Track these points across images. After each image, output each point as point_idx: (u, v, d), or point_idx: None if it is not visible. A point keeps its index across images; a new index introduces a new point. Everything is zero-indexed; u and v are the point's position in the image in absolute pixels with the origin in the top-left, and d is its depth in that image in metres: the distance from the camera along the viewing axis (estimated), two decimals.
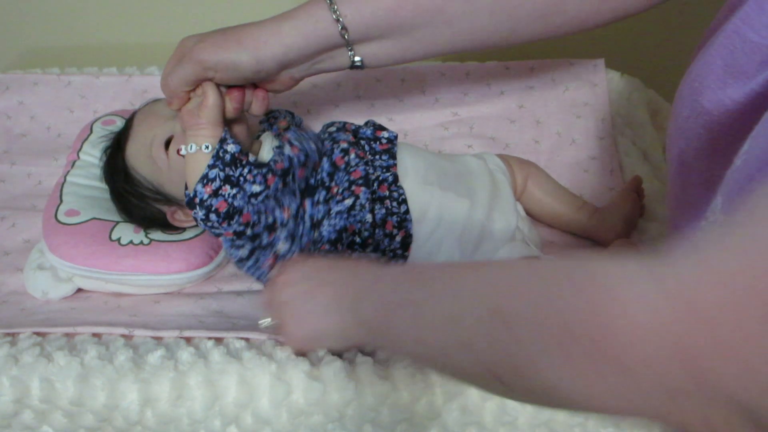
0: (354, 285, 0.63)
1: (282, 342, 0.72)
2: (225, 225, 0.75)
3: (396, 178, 0.81)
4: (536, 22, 0.73)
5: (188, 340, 0.76)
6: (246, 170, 0.75)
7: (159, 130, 0.83)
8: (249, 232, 0.76)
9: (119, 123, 0.94)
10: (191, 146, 0.74)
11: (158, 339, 0.76)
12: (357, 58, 0.75)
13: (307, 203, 0.79)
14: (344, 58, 0.76)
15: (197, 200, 0.74)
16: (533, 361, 0.43)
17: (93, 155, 0.93)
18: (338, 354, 0.71)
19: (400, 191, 0.80)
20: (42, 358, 0.72)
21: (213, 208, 0.74)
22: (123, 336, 0.76)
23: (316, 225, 0.79)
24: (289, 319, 0.68)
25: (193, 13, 1.20)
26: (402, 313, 0.54)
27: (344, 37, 0.73)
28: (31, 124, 1.05)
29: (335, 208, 0.78)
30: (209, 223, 0.76)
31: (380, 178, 0.80)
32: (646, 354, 0.37)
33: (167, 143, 0.82)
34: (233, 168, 0.74)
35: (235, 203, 0.74)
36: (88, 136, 0.95)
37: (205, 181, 0.74)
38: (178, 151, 0.78)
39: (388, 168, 0.81)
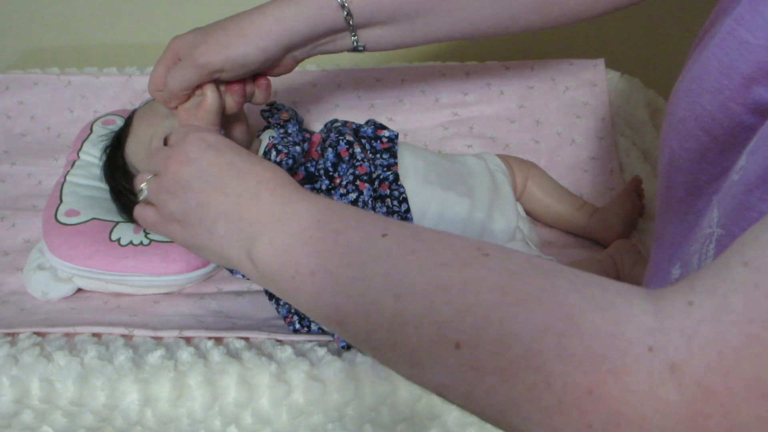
0: (249, 210, 0.53)
1: (156, 231, 0.62)
2: None
3: (396, 177, 0.81)
4: (536, 12, 0.72)
5: (188, 340, 0.76)
6: None
7: (158, 127, 0.83)
8: None
9: (119, 123, 0.94)
10: None
11: (158, 339, 0.76)
12: (359, 43, 0.74)
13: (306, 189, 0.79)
14: (346, 41, 0.74)
15: None
16: (492, 396, 0.37)
17: (93, 155, 0.93)
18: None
19: (401, 190, 0.80)
20: (42, 358, 0.72)
21: None
22: (123, 336, 0.76)
23: None
24: (177, 214, 0.57)
25: (193, 13, 1.20)
26: (316, 283, 0.46)
27: (349, 23, 0.71)
28: (31, 124, 1.05)
29: (338, 199, 0.78)
30: None
31: (381, 176, 0.80)
32: None
33: (166, 141, 0.82)
34: None
35: None
36: (88, 135, 0.95)
37: None
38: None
39: (388, 167, 0.81)
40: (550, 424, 0.35)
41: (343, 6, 0.70)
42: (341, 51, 0.76)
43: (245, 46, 0.69)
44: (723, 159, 0.49)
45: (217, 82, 0.72)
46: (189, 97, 0.73)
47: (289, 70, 0.76)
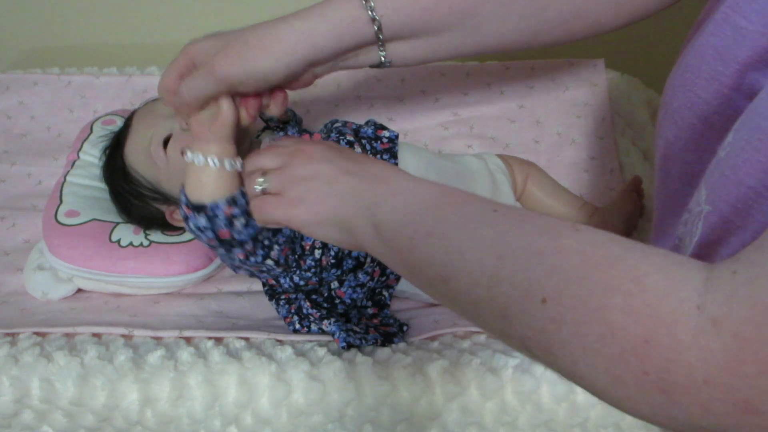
0: (377, 185, 0.58)
1: (275, 216, 0.62)
2: (214, 244, 0.71)
3: None
4: (559, 27, 0.72)
5: (188, 340, 0.76)
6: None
7: (158, 128, 0.83)
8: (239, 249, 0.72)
9: (119, 123, 0.94)
10: (199, 157, 0.68)
11: (158, 339, 0.76)
12: (386, 58, 0.72)
13: None
14: (371, 56, 0.72)
15: (209, 212, 0.68)
16: (573, 360, 0.43)
17: (93, 155, 0.93)
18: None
19: None
20: (42, 358, 0.72)
21: (216, 230, 0.69)
22: (123, 336, 0.76)
23: None
24: (304, 195, 0.60)
25: (193, 13, 1.20)
26: (431, 244, 0.52)
27: (378, 37, 0.69)
28: (31, 124, 1.05)
29: None
30: (200, 234, 0.70)
31: None
32: (695, 393, 0.37)
33: (166, 142, 0.82)
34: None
35: (237, 237, 0.70)
36: (88, 135, 0.95)
37: (230, 202, 0.68)
38: (182, 153, 0.71)
39: None
40: (613, 371, 0.40)
41: (373, 20, 0.67)
42: (364, 66, 0.73)
43: (268, 61, 0.66)
44: (718, 146, 0.50)
45: (234, 94, 0.69)
46: (203, 106, 0.69)
47: (309, 84, 0.74)
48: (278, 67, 0.67)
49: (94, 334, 0.76)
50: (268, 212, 0.62)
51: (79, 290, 0.85)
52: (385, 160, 0.82)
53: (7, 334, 0.76)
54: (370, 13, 0.67)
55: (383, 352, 0.73)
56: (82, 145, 0.94)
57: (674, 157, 0.57)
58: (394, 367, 0.71)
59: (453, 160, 0.88)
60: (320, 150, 0.62)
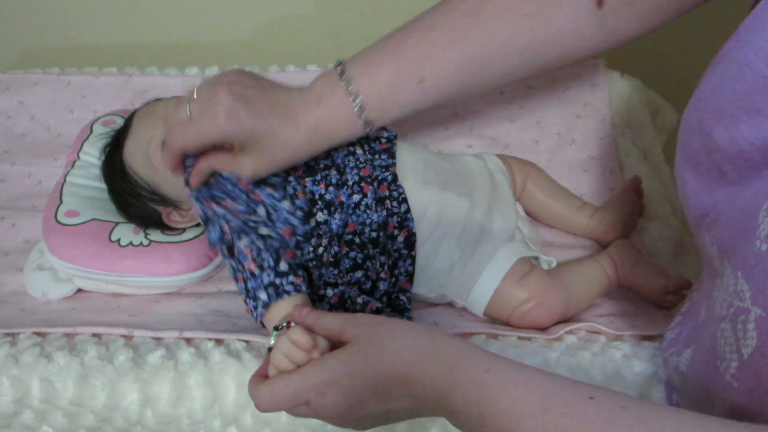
0: (428, 410, 0.57)
1: None
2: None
3: (395, 177, 0.81)
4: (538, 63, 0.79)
5: (188, 340, 0.76)
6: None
7: (157, 131, 0.83)
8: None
9: (119, 123, 0.94)
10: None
11: (158, 339, 0.76)
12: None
13: (308, 182, 0.79)
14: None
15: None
16: None
17: (93, 155, 0.93)
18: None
19: (400, 190, 0.80)
20: (42, 358, 0.72)
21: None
22: (123, 336, 0.76)
23: (327, 206, 0.79)
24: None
25: (193, 13, 1.20)
26: None
27: (367, 132, 0.77)
28: (31, 124, 1.05)
29: (345, 200, 0.78)
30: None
31: (379, 177, 0.80)
32: None
33: (165, 144, 0.82)
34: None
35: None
36: (88, 136, 0.95)
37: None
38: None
39: (387, 167, 0.81)
40: None
41: (367, 124, 0.76)
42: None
43: (273, 166, 0.75)
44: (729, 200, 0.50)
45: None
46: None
47: None
48: (279, 166, 0.76)
49: (94, 334, 0.76)
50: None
51: (79, 290, 0.85)
52: (383, 159, 0.82)
53: (7, 334, 0.76)
54: (361, 120, 0.75)
55: None
56: (82, 146, 0.94)
57: (691, 199, 0.57)
58: None
59: (452, 160, 0.88)
60: (342, 410, 0.59)
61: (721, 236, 0.52)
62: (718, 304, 0.52)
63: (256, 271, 0.73)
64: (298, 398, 0.59)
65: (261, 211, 0.76)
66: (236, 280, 0.75)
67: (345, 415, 0.59)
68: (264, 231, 0.75)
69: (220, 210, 0.75)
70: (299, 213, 0.78)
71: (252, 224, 0.75)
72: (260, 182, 0.77)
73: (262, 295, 0.73)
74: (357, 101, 0.74)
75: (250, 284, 0.73)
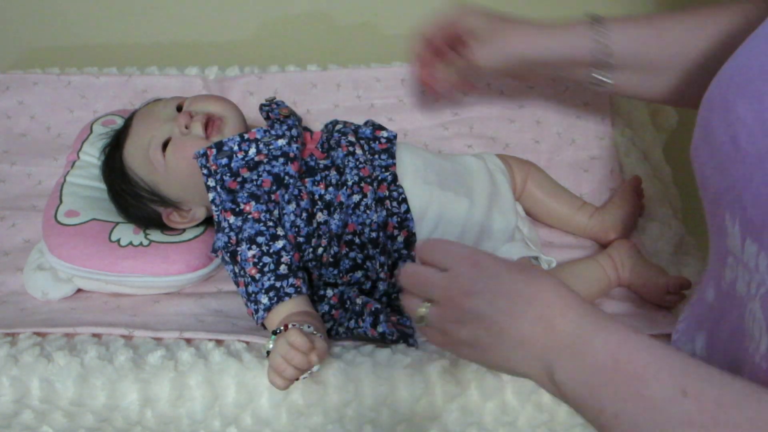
0: (547, 336, 0.54)
1: (444, 348, 0.63)
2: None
3: (395, 178, 0.81)
4: None
5: (188, 340, 0.76)
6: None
7: (157, 132, 0.83)
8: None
9: (119, 123, 0.94)
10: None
11: (158, 339, 0.76)
12: (607, 80, 0.81)
13: (308, 182, 0.79)
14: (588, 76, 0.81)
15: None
16: None
17: (93, 155, 0.93)
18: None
19: (400, 190, 0.80)
20: (42, 358, 0.72)
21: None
22: (123, 336, 0.76)
23: (327, 206, 0.79)
24: (470, 341, 0.57)
25: (193, 13, 1.20)
26: (621, 427, 0.50)
27: (602, 60, 0.79)
28: (31, 124, 1.05)
29: (345, 201, 0.78)
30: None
31: (379, 177, 0.80)
32: None
33: (165, 146, 0.82)
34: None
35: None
36: (88, 136, 0.95)
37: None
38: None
39: (386, 167, 0.81)
40: None
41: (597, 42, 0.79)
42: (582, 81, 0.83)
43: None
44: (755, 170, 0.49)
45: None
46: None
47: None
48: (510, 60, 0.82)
49: (95, 334, 0.76)
50: (448, 347, 0.61)
51: (79, 290, 0.85)
52: (383, 160, 0.82)
53: (7, 334, 0.76)
54: (596, 36, 0.78)
55: (383, 352, 0.73)
56: (81, 146, 0.94)
57: (709, 177, 0.56)
58: (393, 367, 0.71)
59: (452, 160, 0.88)
60: (478, 283, 0.57)
61: (745, 215, 0.51)
62: (741, 284, 0.52)
63: (257, 276, 0.74)
64: (448, 259, 0.58)
65: (276, 212, 0.78)
66: (237, 284, 0.76)
67: (473, 299, 0.56)
68: (280, 231, 0.77)
69: (234, 222, 0.77)
70: (304, 215, 0.78)
71: (271, 224, 0.77)
72: (278, 183, 0.78)
73: (264, 299, 0.73)
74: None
75: (251, 288, 0.74)
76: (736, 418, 0.45)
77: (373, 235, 0.78)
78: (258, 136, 0.81)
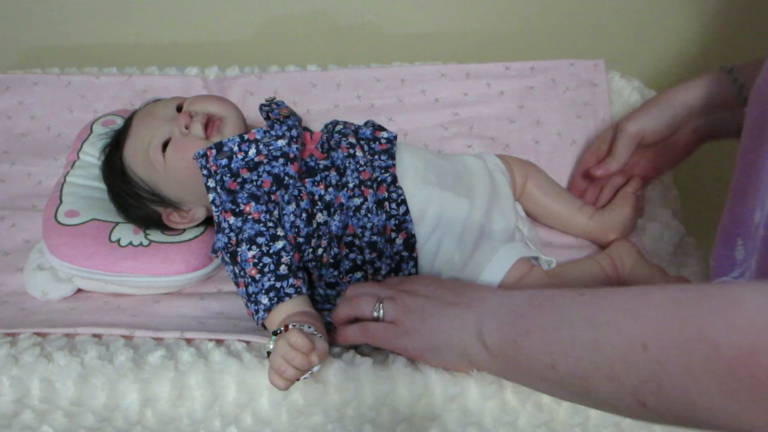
0: (477, 308, 0.65)
1: (394, 344, 0.70)
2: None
3: (395, 179, 0.81)
4: None
5: (189, 340, 0.76)
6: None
7: (157, 132, 0.83)
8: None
9: (119, 123, 0.94)
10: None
11: (158, 339, 0.76)
12: None
13: (308, 182, 0.79)
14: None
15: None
16: (685, 391, 0.45)
17: (93, 155, 0.93)
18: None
19: (399, 192, 0.80)
20: (42, 359, 0.72)
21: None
22: (123, 336, 0.76)
23: (327, 207, 0.79)
24: (418, 326, 0.68)
25: (193, 13, 1.20)
26: (533, 339, 0.57)
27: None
28: (31, 124, 1.05)
29: (345, 202, 0.78)
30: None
31: (379, 179, 0.80)
32: None
33: (165, 146, 0.82)
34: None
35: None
36: (88, 136, 0.95)
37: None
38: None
39: (386, 168, 0.81)
40: (725, 387, 0.43)
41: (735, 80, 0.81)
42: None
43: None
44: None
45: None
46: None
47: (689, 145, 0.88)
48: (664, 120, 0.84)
49: (95, 335, 0.76)
50: (388, 339, 0.69)
51: (79, 290, 0.85)
52: (383, 160, 0.82)
53: (7, 334, 0.76)
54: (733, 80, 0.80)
55: (383, 352, 0.73)
56: (82, 146, 0.94)
57: (740, 159, 0.60)
58: (393, 367, 0.71)
59: (452, 160, 0.88)
60: (425, 285, 0.71)
61: None
62: None
63: (257, 276, 0.74)
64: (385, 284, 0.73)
65: (276, 213, 0.78)
66: (237, 285, 0.76)
67: (421, 288, 0.70)
68: (280, 232, 0.77)
69: (234, 222, 0.77)
70: (304, 215, 0.78)
71: (271, 224, 0.77)
72: (278, 183, 0.78)
73: (264, 300, 0.73)
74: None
75: (251, 289, 0.74)
76: (621, 291, 0.54)
77: (374, 238, 0.78)
78: (258, 137, 0.81)
